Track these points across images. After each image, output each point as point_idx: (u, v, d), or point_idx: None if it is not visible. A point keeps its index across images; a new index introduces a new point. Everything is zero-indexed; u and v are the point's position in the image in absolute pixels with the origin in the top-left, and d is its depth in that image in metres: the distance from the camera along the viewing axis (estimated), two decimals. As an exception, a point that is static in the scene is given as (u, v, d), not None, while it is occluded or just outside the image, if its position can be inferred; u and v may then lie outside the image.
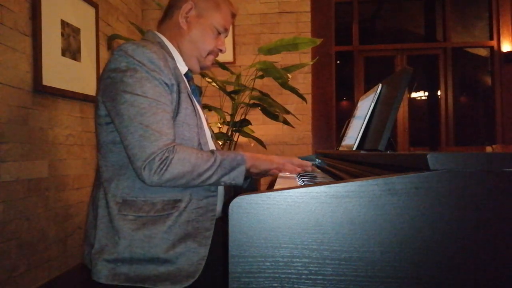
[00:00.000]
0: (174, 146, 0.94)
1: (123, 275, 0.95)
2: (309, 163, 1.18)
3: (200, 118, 1.11)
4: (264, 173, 1.12)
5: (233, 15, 1.20)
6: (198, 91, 1.24)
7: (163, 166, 0.91)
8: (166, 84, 1.00)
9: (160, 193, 0.99)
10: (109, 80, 0.98)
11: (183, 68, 1.16)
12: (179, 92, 1.04)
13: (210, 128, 1.25)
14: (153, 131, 0.92)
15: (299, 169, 1.12)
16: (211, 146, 1.15)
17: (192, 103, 1.09)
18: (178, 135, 1.02)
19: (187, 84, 1.15)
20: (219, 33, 1.17)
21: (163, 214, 0.97)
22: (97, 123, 1.04)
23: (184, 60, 1.16)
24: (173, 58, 1.12)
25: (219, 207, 1.14)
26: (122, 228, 0.96)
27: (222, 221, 1.15)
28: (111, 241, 0.97)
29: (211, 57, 1.19)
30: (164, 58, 1.02)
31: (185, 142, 1.03)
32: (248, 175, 1.10)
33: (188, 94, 1.08)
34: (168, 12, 1.17)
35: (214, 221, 1.02)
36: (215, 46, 1.17)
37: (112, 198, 0.99)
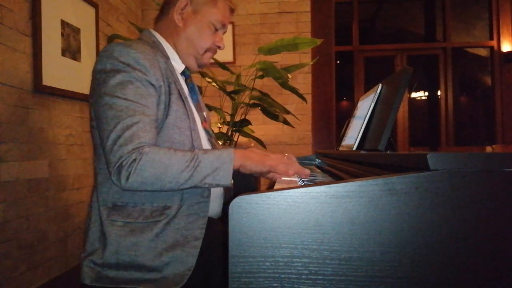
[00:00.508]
0: (144, 148, 0.89)
1: (108, 279, 0.95)
2: (308, 171, 1.01)
3: (193, 120, 1.07)
4: (259, 175, 1.03)
5: (232, 10, 1.17)
6: (197, 90, 1.22)
7: (131, 170, 0.87)
8: (153, 85, 0.97)
9: (150, 199, 0.97)
10: (95, 82, 0.98)
11: (179, 67, 1.13)
12: (169, 94, 1.01)
13: (210, 128, 1.23)
14: (127, 134, 0.89)
15: (291, 172, 0.98)
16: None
17: (185, 105, 1.05)
18: (168, 139, 1.00)
19: (182, 84, 1.13)
20: (216, 29, 1.14)
21: (151, 221, 0.96)
22: (91, 126, 1.04)
23: (181, 58, 1.13)
24: (167, 57, 1.09)
25: (212, 211, 1.12)
26: (110, 234, 0.95)
27: (222, 221, 1.14)
28: (101, 245, 0.97)
29: (209, 54, 1.16)
30: (153, 58, 0.99)
31: (175, 145, 1.00)
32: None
33: (181, 95, 1.05)
34: (164, 9, 1.14)
35: (204, 230, 0.99)
36: (212, 43, 1.14)
37: (102, 203, 0.99)
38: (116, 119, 0.91)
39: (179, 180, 0.89)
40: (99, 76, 0.96)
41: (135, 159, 0.88)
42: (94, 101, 0.98)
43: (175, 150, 0.92)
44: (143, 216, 0.96)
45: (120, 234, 0.95)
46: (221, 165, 0.91)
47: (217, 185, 0.92)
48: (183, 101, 1.05)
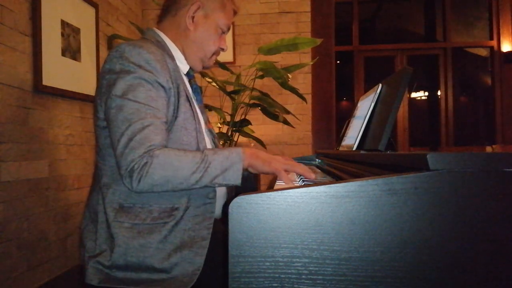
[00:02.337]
0: (155, 150, 0.90)
1: (117, 280, 0.95)
2: (313, 175, 1.00)
3: (199, 122, 1.07)
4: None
5: (235, 13, 1.18)
6: (199, 90, 1.22)
7: (142, 173, 0.88)
8: (163, 87, 0.97)
9: (157, 200, 0.97)
10: (104, 82, 0.97)
11: (184, 67, 1.14)
12: (178, 96, 1.02)
13: (212, 128, 1.23)
14: (138, 137, 0.90)
15: (292, 183, 0.96)
16: None
17: (191, 106, 1.06)
18: (176, 140, 1.00)
19: (187, 85, 1.13)
20: (222, 32, 1.15)
21: (159, 223, 0.96)
22: (96, 125, 1.03)
23: (187, 59, 1.14)
24: (173, 58, 1.09)
25: (217, 212, 1.12)
26: (117, 236, 0.95)
27: (222, 222, 1.14)
28: (108, 247, 0.96)
29: (214, 57, 1.18)
30: (163, 59, 0.99)
31: (183, 147, 1.00)
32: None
33: (187, 97, 1.06)
34: (170, 9, 1.12)
35: (210, 230, 0.99)
36: (218, 46, 1.15)
37: (109, 204, 0.98)
38: (127, 122, 0.91)
39: (190, 181, 0.91)
40: (108, 77, 0.95)
41: (146, 163, 0.88)
42: (104, 102, 0.97)
43: (185, 151, 0.93)
44: (151, 217, 0.96)
45: (128, 236, 0.95)
46: (230, 165, 0.92)
47: (227, 185, 0.94)
48: (189, 102, 1.06)
